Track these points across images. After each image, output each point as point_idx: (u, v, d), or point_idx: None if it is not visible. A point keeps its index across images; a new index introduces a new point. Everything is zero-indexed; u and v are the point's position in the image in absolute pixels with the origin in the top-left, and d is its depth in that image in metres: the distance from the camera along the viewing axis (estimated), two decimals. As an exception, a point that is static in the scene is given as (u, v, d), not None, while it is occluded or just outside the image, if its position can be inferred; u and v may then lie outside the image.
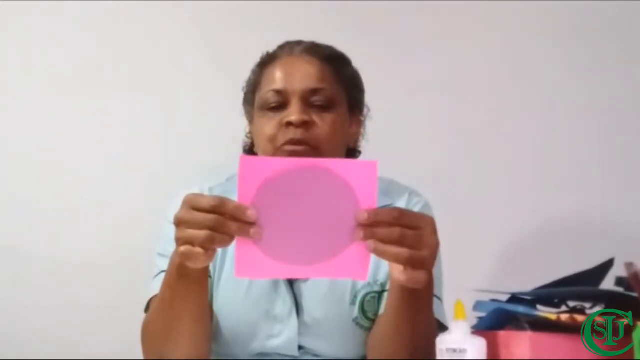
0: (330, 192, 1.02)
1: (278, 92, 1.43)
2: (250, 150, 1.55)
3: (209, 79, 2.03)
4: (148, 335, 1.31)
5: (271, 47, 1.53)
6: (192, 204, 1.04)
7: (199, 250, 1.04)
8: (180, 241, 1.05)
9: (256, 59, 1.54)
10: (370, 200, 1.02)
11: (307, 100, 1.42)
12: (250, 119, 1.53)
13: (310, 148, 1.39)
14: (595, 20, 2.10)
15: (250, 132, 1.55)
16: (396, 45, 2.07)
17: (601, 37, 2.09)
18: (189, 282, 1.17)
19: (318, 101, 1.43)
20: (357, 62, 1.55)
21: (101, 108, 2.03)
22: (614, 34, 2.10)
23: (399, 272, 1.07)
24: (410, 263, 1.04)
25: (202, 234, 1.02)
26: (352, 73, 1.53)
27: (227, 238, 1.02)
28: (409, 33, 2.08)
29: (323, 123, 1.41)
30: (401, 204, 1.46)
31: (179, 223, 1.05)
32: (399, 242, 1.02)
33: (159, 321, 1.27)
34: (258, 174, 1.01)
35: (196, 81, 2.04)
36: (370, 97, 1.57)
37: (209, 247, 1.04)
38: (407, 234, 1.03)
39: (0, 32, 2.04)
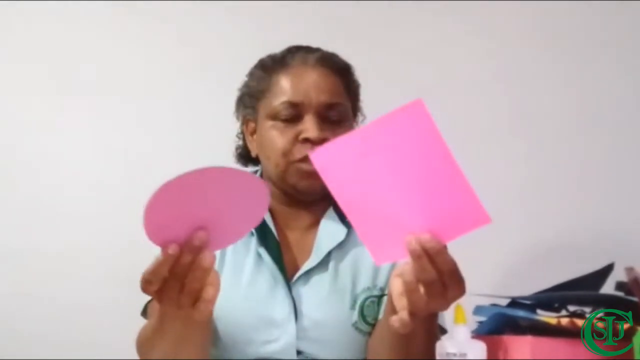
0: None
1: (293, 105, 1.39)
2: (243, 151, 1.53)
3: (212, 83, 2.03)
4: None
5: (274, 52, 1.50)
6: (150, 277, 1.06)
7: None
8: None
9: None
10: (437, 141, 1.02)
11: (322, 114, 1.40)
12: (245, 121, 1.50)
13: None
14: (598, 27, 2.10)
15: (242, 133, 1.53)
16: (396, 50, 2.07)
17: (604, 47, 2.09)
18: None
19: (333, 116, 1.41)
20: (356, 67, 1.54)
21: (103, 112, 2.04)
22: (616, 42, 2.10)
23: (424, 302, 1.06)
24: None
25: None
26: (357, 83, 1.51)
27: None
28: (407, 39, 2.08)
29: None
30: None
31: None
32: (430, 285, 1.04)
33: None
34: (338, 160, 1.02)
35: (199, 86, 2.05)
36: (371, 103, 1.55)
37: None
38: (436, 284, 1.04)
39: (3, 33, 2.04)
